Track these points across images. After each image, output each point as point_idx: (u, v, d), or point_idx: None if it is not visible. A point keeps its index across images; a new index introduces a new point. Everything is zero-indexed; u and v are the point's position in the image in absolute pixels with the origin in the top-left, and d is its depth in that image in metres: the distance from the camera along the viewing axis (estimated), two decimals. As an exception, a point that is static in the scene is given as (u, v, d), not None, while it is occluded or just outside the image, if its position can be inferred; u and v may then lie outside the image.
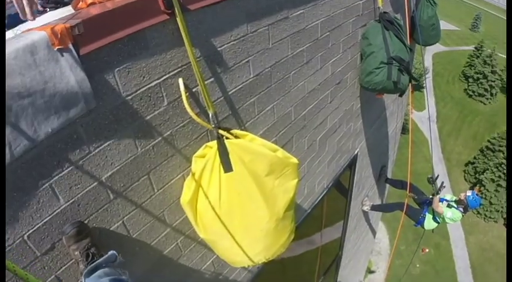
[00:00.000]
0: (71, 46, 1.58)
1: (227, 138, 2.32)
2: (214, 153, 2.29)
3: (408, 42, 4.83)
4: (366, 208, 8.50)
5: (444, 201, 7.67)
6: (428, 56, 73.86)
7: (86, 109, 1.72)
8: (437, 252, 43.41)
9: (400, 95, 5.08)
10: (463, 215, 7.47)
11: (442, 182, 7.51)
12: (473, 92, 67.30)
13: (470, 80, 68.16)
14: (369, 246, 13.11)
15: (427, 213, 7.92)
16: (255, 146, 2.39)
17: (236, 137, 2.38)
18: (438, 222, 7.86)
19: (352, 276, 12.66)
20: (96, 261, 1.91)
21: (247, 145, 2.35)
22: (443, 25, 79.60)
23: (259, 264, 2.85)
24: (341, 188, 7.00)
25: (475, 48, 70.90)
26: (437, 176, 7.46)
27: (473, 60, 69.37)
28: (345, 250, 8.85)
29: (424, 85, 59.06)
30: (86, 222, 1.99)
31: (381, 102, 6.44)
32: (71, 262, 1.99)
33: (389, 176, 9.85)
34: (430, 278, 41.34)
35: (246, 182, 2.35)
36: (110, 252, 1.96)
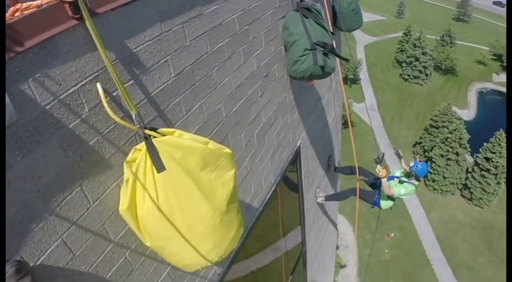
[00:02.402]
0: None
1: (155, 137, 2.29)
2: (144, 155, 2.25)
3: (330, 27, 4.93)
4: (320, 200, 8.54)
5: (395, 179, 7.80)
6: (359, 48, 75.68)
7: (8, 122, 1.69)
8: (402, 234, 44.28)
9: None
10: (416, 187, 7.63)
11: (383, 154, 7.59)
12: (409, 75, 69.34)
13: (404, 64, 70.22)
14: (332, 239, 13.21)
15: (381, 193, 8.00)
16: (184, 140, 2.37)
17: (164, 135, 2.35)
18: (394, 200, 7.95)
19: (323, 272, 12.72)
20: None
21: (176, 141, 2.33)
22: (370, 17, 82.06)
23: (214, 264, 2.82)
24: (292, 185, 7.07)
25: (404, 33, 73.17)
26: (383, 153, 7.56)
27: (403, 45, 71.51)
28: (308, 245, 8.88)
29: (360, 77, 60.32)
30: (23, 243, 1.92)
31: (315, 92, 6.54)
32: None
33: (337, 165, 9.99)
34: (401, 260, 42.13)
35: (181, 179, 2.33)
36: None
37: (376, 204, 8.14)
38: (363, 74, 65.69)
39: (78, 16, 1.94)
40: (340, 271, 39.07)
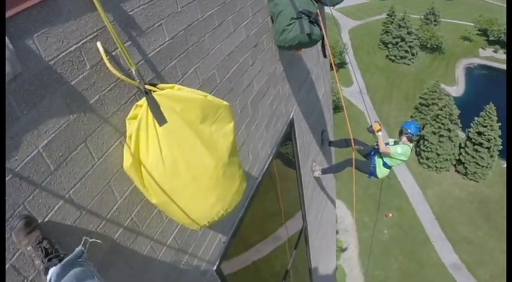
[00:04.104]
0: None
1: (155, 91, 2.38)
2: (146, 110, 2.33)
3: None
4: (317, 174, 8.62)
5: (390, 143, 7.92)
6: (344, 33, 75.62)
7: (13, 74, 1.77)
8: (400, 214, 44.58)
9: (324, 56, 5.31)
10: (411, 148, 7.74)
11: (376, 121, 7.77)
12: (395, 56, 69.49)
13: (390, 45, 70.32)
14: (331, 216, 13.35)
15: (376, 162, 8.08)
16: (184, 93, 2.46)
17: (163, 90, 2.44)
18: (390, 167, 8.04)
19: (325, 251, 12.85)
20: (64, 260, 1.85)
21: (176, 94, 2.42)
22: (352, 1, 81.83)
23: (220, 218, 2.89)
24: (288, 162, 7.18)
25: (388, 15, 73.23)
26: (376, 121, 7.70)
27: (388, 26, 71.60)
28: (309, 221, 8.97)
29: (347, 61, 60.31)
30: (31, 198, 1.98)
31: (304, 66, 6.64)
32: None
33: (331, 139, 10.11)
34: (400, 239, 42.44)
35: (183, 131, 2.42)
36: (77, 249, 1.91)
37: (373, 173, 8.20)
38: (349, 58, 65.67)
39: (76, -23, 2.02)
40: (341, 255, 39.35)
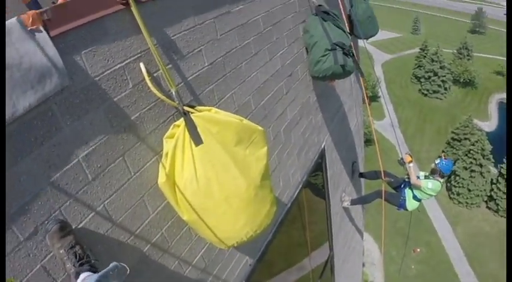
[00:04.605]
0: (41, 28, 1.76)
1: (192, 113, 2.46)
2: (183, 130, 2.41)
3: (347, 28, 5.11)
4: (346, 204, 8.57)
5: (421, 177, 7.79)
6: (377, 66, 75.37)
7: (61, 85, 1.87)
8: (429, 250, 43.59)
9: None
10: (441, 184, 7.63)
11: (407, 152, 7.76)
12: (428, 90, 68.86)
13: (422, 79, 69.78)
14: (359, 247, 13.19)
15: (406, 194, 7.98)
16: (221, 116, 2.53)
17: (200, 112, 2.52)
18: (419, 200, 7.94)
19: (351, 281, 12.70)
20: (100, 273, 1.84)
21: (213, 116, 2.49)
22: (385, 35, 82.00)
23: (248, 240, 2.93)
24: (317, 192, 7.19)
25: (421, 49, 72.83)
26: (407, 152, 7.69)
27: (420, 60, 71.17)
28: (336, 250, 8.90)
29: (380, 94, 60.09)
30: (68, 204, 2.06)
31: (337, 97, 6.70)
32: None
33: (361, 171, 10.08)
34: (428, 275, 41.40)
35: (218, 152, 2.48)
36: (113, 265, 1.89)
37: (402, 206, 8.09)
38: (382, 92, 65.41)
39: (124, 1, 2.17)
40: (366, 288, 38.62)
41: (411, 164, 7.50)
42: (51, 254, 2.00)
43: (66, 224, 2.01)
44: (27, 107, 1.74)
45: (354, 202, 8.76)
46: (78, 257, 1.97)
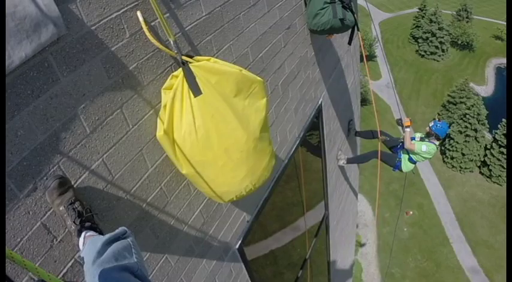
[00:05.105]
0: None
1: (191, 63, 2.41)
2: (181, 80, 2.37)
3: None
4: (342, 162, 8.59)
5: (416, 138, 7.88)
6: (375, 25, 74.66)
7: (57, 34, 1.81)
8: (421, 212, 44.14)
9: (349, 43, 5.30)
10: (437, 147, 7.68)
11: (409, 118, 7.75)
12: (425, 51, 68.44)
13: (420, 40, 69.27)
14: (353, 207, 13.31)
15: (402, 156, 8.06)
16: (220, 66, 2.49)
17: (199, 62, 2.47)
18: (415, 162, 8.02)
19: (345, 242, 12.85)
20: (105, 238, 1.79)
21: (212, 66, 2.45)
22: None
23: (248, 193, 2.92)
24: (313, 150, 7.19)
25: (419, 9, 72.08)
26: (409, 117, 7.71)
27: (419, 21, 70.53)
28: (331, 210, 8.98)
29: (377, 54, 59.77)
30: (66, 158, 2.04)
31: (334, 52, 6.62)
32: None
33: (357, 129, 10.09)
34: (420, 237, 42.05)
35: (217, 103, 2.45)
36: (120, 229, 1.87)
37: (398, 167, 8.18)
38: (379, 51, 64.98)
39: None
40: (359, 249, 39.20)
41: (408, 129, 7.51)
42: (51, 210, 1.99)
43: (65, 180, 1.99)
44: (23, 57, 1.69)
45: (349, 161, 8.79)
46: (78, 213, 1.97)
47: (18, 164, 1.81)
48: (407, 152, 7.90)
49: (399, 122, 7.82)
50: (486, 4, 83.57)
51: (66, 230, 2.06)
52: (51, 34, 1.78)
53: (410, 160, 8.00)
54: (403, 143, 7.86)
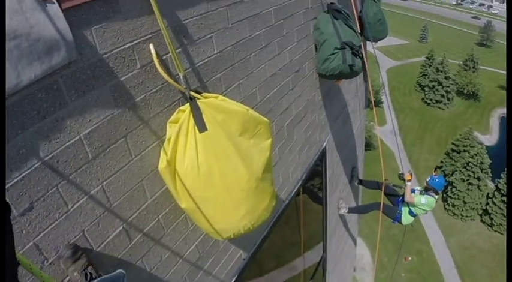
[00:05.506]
0: (54, -1, 1.72)
1: (199, 99, 2.42)
2: (188, 115, 2.37)
3: (358, 29, 5.07)
4: (343, 211, 8.66)
5: (416, 191, 7.97)
6: (382, 72, 75.28)
7: (68, 59, 1.83)
8: (420, 259, 43.59)
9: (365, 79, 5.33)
10: (436, 199, 7.72)
11: (409, 171, 7.81)
12: (431, 99, 68.84)
13: (426, 88, 69.75)
14: (351, 252, 13.19)
15: (402, 209, 8.13)
16: (227, 104, 2.49)
17: (207, 98, 2.48)
18: (415, 215, 8.08)
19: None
20: (102, 277, 1.97)
21: (219, 104, 2.45)
22: (393, 41, 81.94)
23: (246, 232, 2.89)
24: (315, 193, 7.17)
25: (426, 58, 72.82)
26: (409, 171, 7.79)
27: (426, 69, 71.15)
28: (329, 252, 8.90)
29: (383, 100, 60.04)
30: (66, 182, 2.02)
31: (342, 97, 6.66)
32: (50, 227, 1.99)
33: (360, 178, 10.07)
34: (418, 284, 41.49)
35: (222, 141, 2.44)
36: (118, 271, 2.01)
37: (398, 219, 8.27)
38: (385, 98, 65.40)
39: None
40: (355, 294, 38.60)
41: (409, 183, 7.63)
42: (45, 231, 1.97)
43: (77, 248, 2.06)
44: (33, 78, 1.69)
45: (351, 210, 8.86)
46: (90, 276, 2.03)
47: (17, 182, 1.79)
48: (408, 205, 7.98)
49: (402, 177, 7.95)
50: (492, 55, 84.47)
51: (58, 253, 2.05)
52: (62, 58, 1.80)
53: (411, 213, 8.09)
54: (403, 196, 7.91)
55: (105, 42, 2.05)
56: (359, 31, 5.91)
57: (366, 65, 4.97)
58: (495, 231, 46.73)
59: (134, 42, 2.23)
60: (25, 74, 1.65)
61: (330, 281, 10.04)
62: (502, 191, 45.49)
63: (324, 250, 8.57)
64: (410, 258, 42.87)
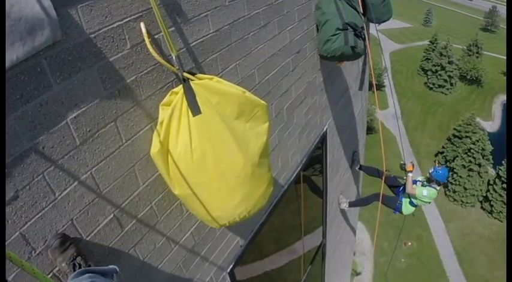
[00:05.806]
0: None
1: (192, 80, 2.31)
2: (181, 97, 2.27)
3: (361, 10, 4.94)
4: (344, 206, 8.70)
5: (418, 182, 7.93)
6: (385, 55, 74.88)
7: (52, 40, 1.72)
8: (420, 244, 43.75)
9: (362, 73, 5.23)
10: (438, 191, 7.70)
11: (411, 162, 7.76)
12: (433, 84, 68.57)
13: (429, 73, 69.44)
14: (351, 238, 13.16)
15: (403, 199, 8.14)
16: (222, 86, 2.38)
17: (201, 80, 2.37)
18: (415, 205, 8.09)
19: (340, 271, 12.71)
20: (91, 268, 1.93)
21: (214, 85, 2.34)
22: (397, 24, 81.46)
23: (241, 219, 2.80)
24: (315, 177, 7.09)
25: (430, 41, 72.41)
26: (411, 162, 7.75)
27: (429, 53, 70.76)
28: (329, 238, 8.87)
29: (385, 84, 59.82)
30: (52, 169, 1.94)
31: (343, 80, 6.54)
32: (37, 217, 1.92)
33: (362, 162, 10.00)
34: (417, 269, 41.59)
35: (216, 124, 2.34)
36: (111, 266, 1.95)
37: (398, 209, 8.28)
38: (388, 81, 65.10)
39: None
40: (355, 278, 38.77)
41: (410, 174, 7.63)
42: (31, 221, 1.89)
43: (66, 238, 2.00)
44: (15, 60, 1.59)
45: (351, 204, 8.94)
46: (79, 266, 1.98)
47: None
48: (409, 195, 7.96)
49: (403, 167, 7.93)
50: (496, 40, 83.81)
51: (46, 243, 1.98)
52: (46, 38, 1.69)
53: (411, 203, 8.08)
54: (405, 186, 7.89)
55: (92, 21, 1.94)
56: (362, 12, 5.79)
57: (368, 48, 4.84)
58: (495, 218, 46.75)
59: (124, 21, 2.11)
60: (6, 55, 1.55)
61: (329, 266, 10.04)
62: (502, 178, 45.36)
63: (324, 236, 8.54)
64: (410, 244, 42.97)
